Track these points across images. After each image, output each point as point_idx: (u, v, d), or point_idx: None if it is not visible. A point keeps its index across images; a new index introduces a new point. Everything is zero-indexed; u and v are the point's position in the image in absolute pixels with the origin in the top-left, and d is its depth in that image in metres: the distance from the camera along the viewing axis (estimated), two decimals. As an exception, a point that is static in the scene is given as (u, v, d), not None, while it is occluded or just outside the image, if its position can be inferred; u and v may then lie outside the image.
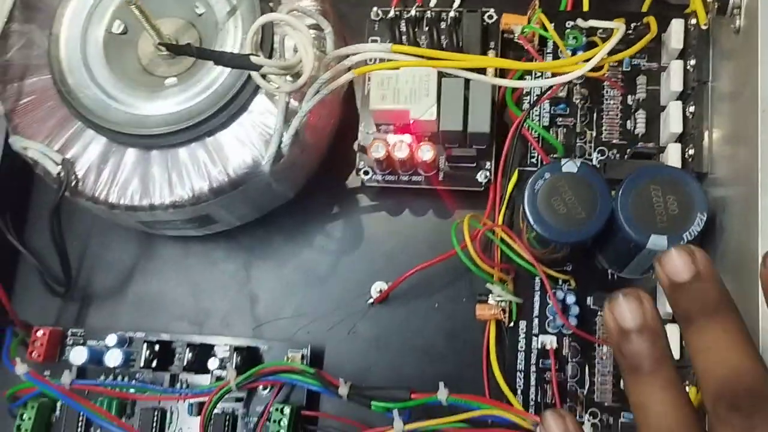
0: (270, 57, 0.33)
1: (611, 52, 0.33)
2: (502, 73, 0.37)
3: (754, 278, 0.25)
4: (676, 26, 0.35)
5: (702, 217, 0.29)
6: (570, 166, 0.30)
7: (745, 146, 0.27)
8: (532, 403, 0.34)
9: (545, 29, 0.35)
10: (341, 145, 0.38)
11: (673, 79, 0.34)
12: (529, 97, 0.37)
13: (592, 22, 0.35)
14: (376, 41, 0.39)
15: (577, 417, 0.31)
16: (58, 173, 0.33)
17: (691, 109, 0.33)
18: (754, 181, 0.25)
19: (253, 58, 0.29)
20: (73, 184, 0.33)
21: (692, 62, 0.34)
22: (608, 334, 0.23)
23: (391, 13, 0.38)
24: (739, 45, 0.28)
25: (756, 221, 0.25)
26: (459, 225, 0.34)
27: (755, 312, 0.25)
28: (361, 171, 0.37)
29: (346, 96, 0.38)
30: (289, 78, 0.32)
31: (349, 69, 0.32)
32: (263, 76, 0.31)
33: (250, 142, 0.33)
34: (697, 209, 0.29)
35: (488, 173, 0.37)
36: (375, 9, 0.39)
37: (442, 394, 0.31)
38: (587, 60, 0.31)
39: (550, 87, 0.35)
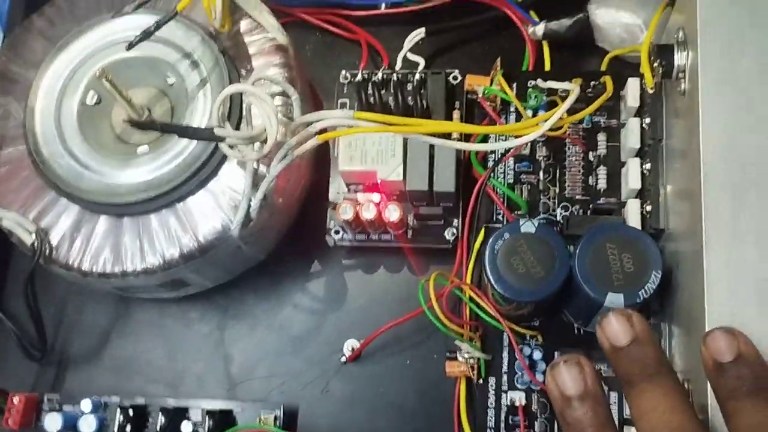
0: (239, 125, 0.34)
1: (570, 112, 0.34)
2: (467, 137, 0.38)
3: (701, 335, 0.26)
4: (632, 85, 0.36)
5: (657, 275, 0.30)
6: (528, 226, 0.31)
7: (692, 203, 0.28)
8: (503, 459, 0.34)
9: (505, 93, 0.36)
10: (313, 205, 0.39)
11: (631, 136, 0.35)
12: (494, 155, 0.38)
13: (551, 83, 0.37)
14: (345, 103, 0.40)
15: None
16: (32, 243, 0.34)
17: (648, 166, 0.34)
18: (700, 238, 0.26)
19: (216, 130, 0.30)
20: (47, 252, 0.34)
21: (647, 120, 0.35)
22: (552, 400, 0.23)
23: (359, 77, 0.39)
24: (685, 106, 0.29)
25: (702, 277, 0.26)
26: (425, 284, 0.35)
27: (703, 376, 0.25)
28: (332, 231, 0.38)
29: (319, 156, 0.39)
30: (255, 145, 0.33)
31: (317, 134, 0.33)
32: (230, 147, 0.32)
33: (219, 208, 0.34)
34: (651, 267, 0.30)
35: (456, 231, 0.37)
36: (343, 72, 0.40)
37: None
38: (546, 120, 0.32)
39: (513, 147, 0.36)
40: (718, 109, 0.27)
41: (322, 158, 0.40)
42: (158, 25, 0.32)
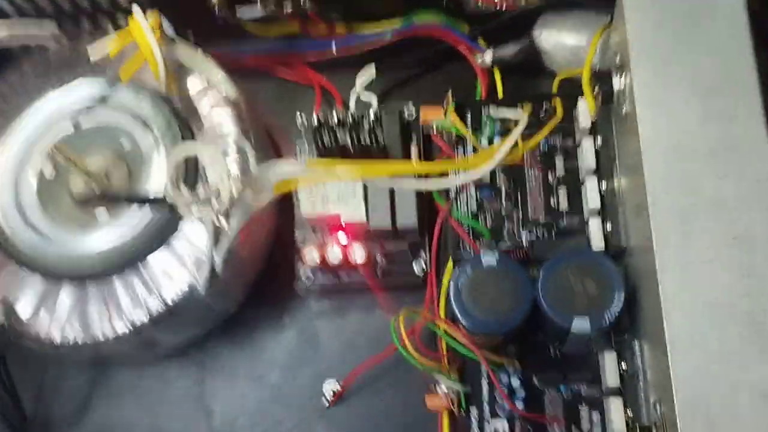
0: (195, 183, 0.34)
1: (525, 136, 0.35)
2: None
3: (666, 363, 0.26)
4: (582, 106, 0.36)
5: (620, 296, 0.30)
6: (489, 259, 0.31)
7: (645, 220, 0.28)
8: (491, 490, 0.34)
9: (456, 127, 0.37)
10: (281, 250, 0.39)
11: (586, 155, 0.36)
12: (454, 188, 0.38)
13: (502, 111, 0.37)
14: (303, 147, 0.40)
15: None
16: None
17: (604, 185, 0.35)
18: (653, 261, 0.26)
19: (169, 198, 0.30)
20: (17, 328, 0.34)
21: (600, 140, 0.35)
22: None
23: (315, 120, 0.39)
24: (628, 127, 0.30)
25: (659, 303, 0.26)
26: (395, 322, 0.35)
27: (671, 398, 0.26)
28: (302, 276, 0.38)
29: (283, 203, 0.39)
30: (213, 202, 0.33)
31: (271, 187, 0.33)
32: (186, 206, 0.32)
33: (183, 266, 0.34)
34: (615, 289, 0.30)
35: (424, 264, 0.38)
36: (298, 116, 0.40)
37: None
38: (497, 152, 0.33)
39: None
40: (656, 134, 0.27)
41: (285, 203, 0.40)
42: (103, 99, 0.32)
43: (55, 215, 0.35)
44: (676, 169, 0.27)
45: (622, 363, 0.33)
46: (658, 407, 0.28)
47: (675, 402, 0.25)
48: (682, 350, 0.25)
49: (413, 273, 0.38)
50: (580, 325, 0.30)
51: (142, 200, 0.31)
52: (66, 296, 0.34)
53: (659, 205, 0.27)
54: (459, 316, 0.31)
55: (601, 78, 0.30)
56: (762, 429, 0.24)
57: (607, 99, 0.30)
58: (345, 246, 0.37)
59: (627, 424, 0.32)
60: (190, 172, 0.34)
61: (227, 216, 0.34)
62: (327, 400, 0.37)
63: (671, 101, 0.27)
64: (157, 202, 0.30)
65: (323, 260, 0.37)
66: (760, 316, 0.25)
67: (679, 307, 0.26)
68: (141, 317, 0.33)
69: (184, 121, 0.35)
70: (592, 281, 0.30)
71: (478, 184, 0.38)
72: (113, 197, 0.32)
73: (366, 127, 0.39)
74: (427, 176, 0.34)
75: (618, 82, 0.30)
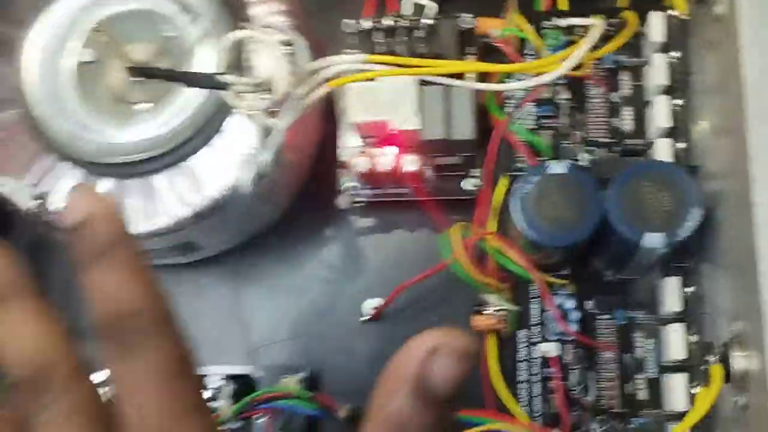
0: (243, 75, 0.32)
1: (592, 50, 0.32)
2: (485, 78, 0.36)
3: (755, 274, 0.24)
4: (655, 19, 0.34)
5: (697, 212, 0.28)
6: (556, 167, 0.30)
7: (734, 139, 0.26)
8: (537, 414, 0.33)
9: (522, 31, 0.34)
10: (324, 162, 0.37)
11: (657, 72, 0.34)
12: (512, 100, 0.36)
13: (571, 20, 0.35)
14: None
15: (585, 425, 0.30)
16: (34, 208, 0.32)
17: (678, 102, 0.33)
18: (746, 174, 0.25)
19: (221, 78, 0.28)
20: (49, 218, 0.32)
21: (676, 54, 0.33)
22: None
23: (365, 25, 0.37)
24: (721, 33, 0.28)
25: (749, 212, 0.24)
26: (447, 236, 0.33)
27: (755, 304, 0.24)
28: (346, 188, 0.36)
29: (327, 113, 0.38)
30: (263, 95, 0.31)
31: (324, 83, 0.31)
32: (237, 96, 0.30)
33: (229, 164, 0.32)
34: (692, 204, 0.28)
35: (476, 181, 0.36)
36: (348, 21, 0.38)
37: (445, 412, 0.30)
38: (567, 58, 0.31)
39: (532, 89, 0.35)
40: (759, 34, 0.25)
41: (331, 114, 0.38)
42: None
43: (92, 104, 0.33)
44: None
45: (688, 288, 0.31)
46: (735, 325, 0.26)
47: (763, 313, 0.23)
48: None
49: (463, 190, 0.36)
50: (652, 240, 0.28)
51: (196, 77, 0.29)
52: (103, 189, 0.32)
53: (757, 116, 0.25)
54: (521, 227, 0.29)
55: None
56: None
57: (701, -3, 0.28)
58: (394, 156, 0.35)
59: (690, 348, 0.31)
60: (239, 64, 0.32)
61: (276, 113, 0.32)
62: (367, 316, 0.36)
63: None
64: (210, 80, 0.28)
65: (370, 170, 0.35)
66: None
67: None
68: (183, 212, 0.32)
69: (233, 9, 0.33)
70: (668, 195, 0.28)
71: (537, 101, 0.36)
72: (166, 72, 0.30)
73: (421, 35, 0.37)
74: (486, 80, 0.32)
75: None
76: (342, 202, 0.37)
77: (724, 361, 0.25)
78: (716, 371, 0.25)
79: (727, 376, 0.25)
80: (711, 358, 0.26)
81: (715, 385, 0.25)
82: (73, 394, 0.20)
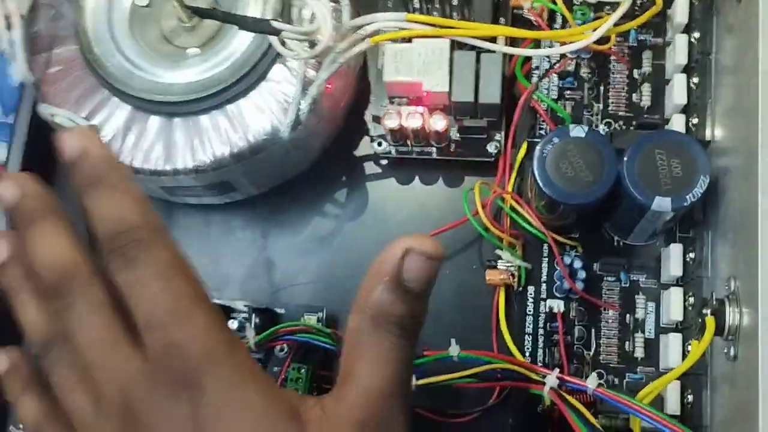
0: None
1: (617, 25, 0.34)
2: (513, 45, 0.38)
3: (755, 237, 0.26)
4: (680, 1, 0.36)
5: (704, 180, 0.30)
6: (578, 131, 0.32)
7: (745, 115, 0.28)
8: (540, 364, 0.35)
9: (554, 3, 0.36)
10: (355, 118, 0.40)
11: (678, 52, 0.35)
12: (538, 70, 0.38)
13: (600, -5, 0.37)
14: (389, 17, 0.40)
15: (596, 382, 0.32)
16: (85, 139, 0.34)
17: (695, 80, 0.35)
18: (755, 144, 0.27)
19: (273, 23, 0.30)
20: (99, 149, 0.35)
21: (696, 35, 0.35)
22: None
23: (402, -10, 0.39)
24: (741, 15, 0.30)
25: (756, 183, 0.26)
26: (470, 193, 0.35)
27: (752, 265, 0.26)
28: (375, 142, 0.38)
29: (360, 73, 0.40)
30: (307, 46, 0.33)
31: (364, 39, 0.33)
32: (283, 43, 0.32)
33: (269, 109, 0.34)
34: (700, 172, 0.30)
35: (498, 144, 0.38)
36: (386, -14, 0.40)
37: (454, 350, 0.32)
38: (594, 30, 0.32)
39: (559, 60, 0.37)
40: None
41: (363, 75, 0.40)
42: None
43: (145, 46, 0.35)
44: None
45: (689, 254, 0.33)
46: (732, 283, 0.28)
47: (760, 275, 0.25)
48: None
49: (486, 151, 0.38)
50: (662, 203, 0.30)
51: (250, 21, 0.31)
52: (152, 125, 0.35)
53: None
54: (541, 183, 0.31)
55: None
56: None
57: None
58: (423, 115, 0.37)
59: (687, 311, 0.33)
60: (285, 16, 0.34)
61: (317, 65, 0.34)
62: (386, 265, 0.38)
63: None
64: (263, 25, 0.30)
65: (401, 126, 0.37)
66: None
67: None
68: (223, 151, 0.34)
69: (284, -35, 0.35)
70: (679, 163, 0.30)
71: (562, 72, 0.38)
72: (223, 14, 0.32)
73: (456, 2, 0.39)
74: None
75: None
76: (371, 156, 0.39)
77: (718, 315, 0.27)
78: (710, 323, 0.27)
79: (721, 330, 0.27)
80: (706, 311, 0.28)
81: (708, 335, 0.27)
82: (95, 288, 0.24)
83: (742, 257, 0.28)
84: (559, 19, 0.38)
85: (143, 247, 0.23)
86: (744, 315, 0.27)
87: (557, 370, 0.30)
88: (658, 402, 0.32)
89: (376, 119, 0.38)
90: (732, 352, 0.27)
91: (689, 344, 0.32)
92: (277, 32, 0.31)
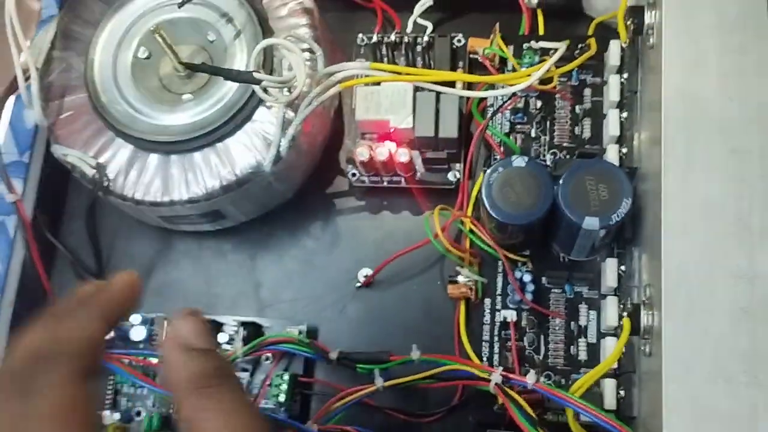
0: (270, 74, 0.39)
1: (558, 67, 0.39)
2: (469, 87, 0.43)
3: (659, 250, 0.31)
4: (614, 46, 0.41)
5: (627, 202, 0.35)
6: (519, 161, 0.37)
7: (657, 143, 0.33)
8: (495, 367, 0.39)
9: (502, 50, 0.42)
10: (332, 152, 0.45)
11: (612, 90, 0.40)
12: (492, 107, 0.43)
13: (542, 44, 0.42)
14: (362, 60, 0.45)
15: (534, 378, 0.37)
16: (93, 175, 0.39)
17: (625, 115, 0.40)
18: (659, 167, 0.31)
19: (255, 74, 0.36)
20: (105, 184, 0.40)
21: (625, 76, 0.40)
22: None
23: (374, 39, 0.45)
24: (654, 60, 0.35)
25: (661, 203, 0.31)
26: (430, 217, 0.40)
27: (657, 274, 0.31)
28: (349, 173, 0.43)
29: (336, 112, 0.45)
30: (285, 92, 0.38)
31: (338, 83, 0.38)
32: (264, 90, 0.37)
33: (254, 147, 0.39)
34: (623, 195, 0.35)
35: (458, 173, 0.43)
36: (360, 35, 0.45)
37: (415, 354, 0.37)
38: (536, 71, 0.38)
39: (509, 98, 0.42)
40: (677, 59, 0.32)
41: (340, 113, 0.45)
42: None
43: (145, 93, 0.40)
44: (689, 90, 0.31)
45: (622, 266, 0.38)
46: (647, 290, 0.33)
47: (662, 280, 0.30)
48: (674, 235, 0.30)
49: (447, 180, 0.43)
50: (591, 222, 0.35)
51: (235, 72, 0.36)
52: (151, 162, 0.40)
53: (670, 120, 0.32)
54: (488, 207, 0.36)
55: (635, 12, 0.35)
56: (728, 301, 0.29)
57: (637, 30, 0.35)
58: (391, 149, 0.42)
59: (619, 316, 0.37)
60: (267, 67, 0.39)
61: (295, 108, 0.39)
62: (360, 281, 0.43)
63: (693, 32, 0.32)
64: (246, 76, 0.35)
65: (370, 159, 0.42)
66: (746, 215, 0.30)
67: (677, 202, 0.31)
68: (214, 184, 0.39)
69: (264, 20, 0.41)
70: (605, 187, 0.35)
71: (513, 108, 0.43)
72: (211, 68, 0.37)
73: (419, 49, 0.44)
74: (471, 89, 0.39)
75: (649, 16, 0.34)
76: (346, 186, 0.44)
77: (633, 317, 0.32)
78: (626, 324, 0.32)
79: (636, 330, 0.32)
80: (624, 314, 0.33)
81: (624, 334, 0.31)
82: None
83: (653, 267, 0.32)
84: (509, 64, 0.43)
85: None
86: (654, 317, 0.31)
87: (501, 368, 0.34)
88: (598, 398, 0.37)
89: (350, 154, 0.43)
90: (647, 350, 0.32)
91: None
92: (258, 82, 0.36)
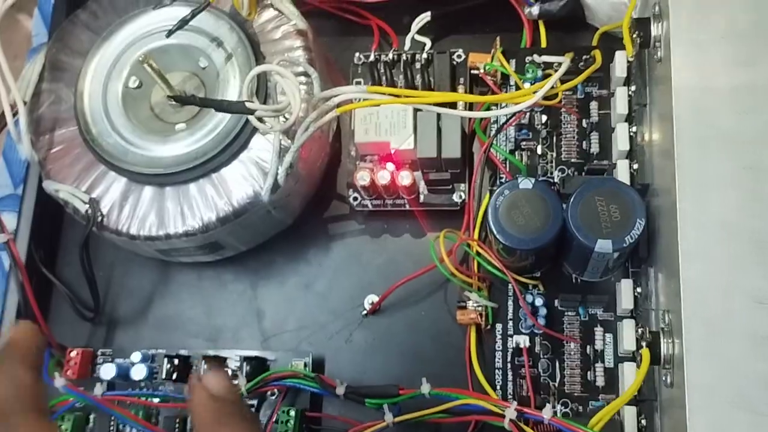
0: (265, 101, 0.38)
1: (563, 81, 0.38)
2: (471, 106, 0.42)
3: (677, 274, 0.30)
4: (620, 57, 0.40)
5: (641, 222, 0.33)
6: (526, 183, 0.35)
7: (668, 158, 0.31)
8: (509, 396, 0.38)
9: (504, 67, 0.40)
10: (333, 176, 0.44)
11: (619, 103, 0.39)
12: (496, 124, 0.42)
13: (546, 57, 0.40)
14: (359, 82, 0.44)
15: (550, 407, 0.35)
16: (86, 211, 0.38)
17: (634, 129, 0.38)
18: (674, 186, 0.30)
19: (247, 104, 0.34)
20: (99, 219, 0.38)
21: (633, 88, 0.39)
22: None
23: (371, 57, 0.43)
24: (661, 72, 0.33)
25: (676, 224, 0.30)
26: (435, 241, 0.39)
27: (677, 301, 0.29)
28: (351, 198, 0.42)
29: (336, 134, 0.44)
30: (281, 119, 0.37)
31: (335, 107, 0.37)
32: (259, 120, 0.36)
33: (250, 176, 0.38)
34: (636, 216, 0.33)
35: (462, 194, 0.41)
36: (357, 54, 0.44)
37: (425, 388, 0.35)
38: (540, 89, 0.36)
39: (513, 115, 0.40)
40: (687, 72, 0.31)
41: (339, 135, 0.44)
42: (194, 14, 0.36)
43: (137, 124, 0.39)
44: (701, 104, 0.30)
45: (637, 288, 0.36)
46: (666, 316, 0.31)
47: (681, 304, 0.29)
48: (691, 259, 0.29)
49: (452, 201, 0.41)
50: (604, 246, 0.33)
51: (226, 103, 0.35)
52: (146, 195, 0.38)
53: (682, 136, 0.30)
54: (494, 231, 0.35)
55: (640, 24, 0.34)
56: (749, 327, 0.28)
57: (644, 43, 0.33)
58: (392, 172, 0.41)
59: (637, 340, 0.36)
60: (261, 93, 0.38)
61: (292, 134, 0.38)
62: (365, 309, 0.42)
63: (702, 44, 0.30)
64: (238, 107, 0.34)
65: (372, 182, 0.40)
66: (764, 235, 0.28)
67: (693, 223, 0.29)
68: (210, 216, 0.38)
69: (257, 45, 0.39)
70: (617, 208, 0.34)
71: (517, 125, 0.41)
72: (201, 100, 0.36)
73: (418, 66, 0.43)
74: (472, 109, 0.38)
75: (655, 28, 0.33)
76: (347, 210, 0.43)
77: (653, 345, 0.30)
78: (645, 354, 0.30)
79: (657, 359, 0.30)
80: (643, 343, 0.31)
81: (644, 364, 0.30)
82: None
83: (671, 292, 0.31)
84: (511, 79, 0.42)
85: None
86: (675, 346, 0.30)
87: (515, 402, 0.33)
88: (617, 427, 0.35)
89: (351, 178, 0.42)
90: (668, 380, 0.30)
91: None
92: (252, 112, 0.34)
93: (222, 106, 0.35)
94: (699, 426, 0.27)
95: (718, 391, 0.27)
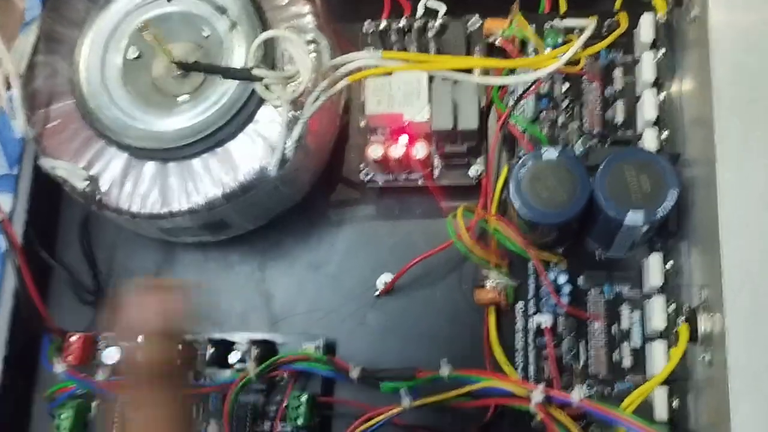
0: (272, 70, 0.36)
1: (586, 47, 0.36)
2: (486, 73, 0.40)
3: (717, 249, 0.28)
4: (645, 20, 0.37)
5: (674, 193, 0.31)
6: (550, 153, 0.33)
7: (705, 126, 0.29)
8: (531, 379, 0.36)
9: (527, 31, 0.38)
10: (343, 150, 0.41)
11: (645, 69, 0.37)
12: (514, 94, 0.40)
13: (567, 22, 0.38)
14: (370, 50, 0.41)
15: (580, 395, 0.33)
16: (85, 188, 0.36)
17: (662, 96, 0.36)
18: (713, 156, 0.28)
19: (254, 71, 0.32)
20: (98, 198, 0.36)
21: (661, 52, 0.36)
22: None
23: (382, 25, 0.41)
24: (696, 33, 0.31)
25: (716, 195, 0.28)
26: (453, 217, 0.37)
27: (717, 274, 0.27)
28: (362, 173, 0.40)
29: (346, 106, 0.41)
30: (289, 88, 0.35)
31: (345, 77, 0.35)
32: (266, 88, 0.34)
33: (257, 149, 0.36)
34: (669, 186, 0.31)
35: (479, 168, 0.39)
36: (367, 22, 0.42)
37: (445, 371, 0.33)
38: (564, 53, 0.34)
39: (533, 83, 0.38)
40: (726, 32, 0.29)
41: (349, 107, 0.42)
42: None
43: (137, 96, 0.37)
44: (742, 63, 0.28)
45: (667, 263, 0.35)
46: (702, 292, 0.29)
47: (723, 280, 0.27)
48: (733, 233, 0.27)
49: (468, 176, 0.39)
50: (635, 217, 0.31)
51: (232, 70, 0.33)
52: (148, 171, 0.36)
53: (723, 101, 0.28)
54: (517, 206, 0.33)
55: (673, -19, 0.31)
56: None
57: (678, 2, 0.31)
58: (405, 145, 0.39)
59: (669, 318, 0.34)
60: (267, 62, 0.36)
61: (300, 105, 0.36)
62: (379, 290, 0.40)
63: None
64: (245, 73, 0.32)
65: (385, 156, 0.38)
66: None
67: (734, 195, 0.27)
68: (215, 192, 0.36)
69: (262, 11, 0.37)
70: (648, 178, 0.32)
71: (537, 94, 0.39)
72: (206, 66, 0.34)
73: (431, 34, 0.41)
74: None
75: (689, -16, 0.31)
76: (359, 186, 0.41)
77: (691, 322, 0.28)
78: (683, 331, 0.28)
79: (695, 337, 0.28)
80: (680, 320, 0.29)
81: (681, 343, 0.28)
82: None
83: (709, 267, 0.29)
84: (530, 45, 0.40)
85: None
86: (715, 322, 0.28)
87: (542, 385, 0.31)
88: (648, 409, 0.33)
89: (362, 152, 0.40)
90: (707, 358, 0.29)
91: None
92: (259, 79, 0.32)
93: (228, 73, 0.33)
94: (744, 409, 0.25)
95: (764, 371, 0.26)
